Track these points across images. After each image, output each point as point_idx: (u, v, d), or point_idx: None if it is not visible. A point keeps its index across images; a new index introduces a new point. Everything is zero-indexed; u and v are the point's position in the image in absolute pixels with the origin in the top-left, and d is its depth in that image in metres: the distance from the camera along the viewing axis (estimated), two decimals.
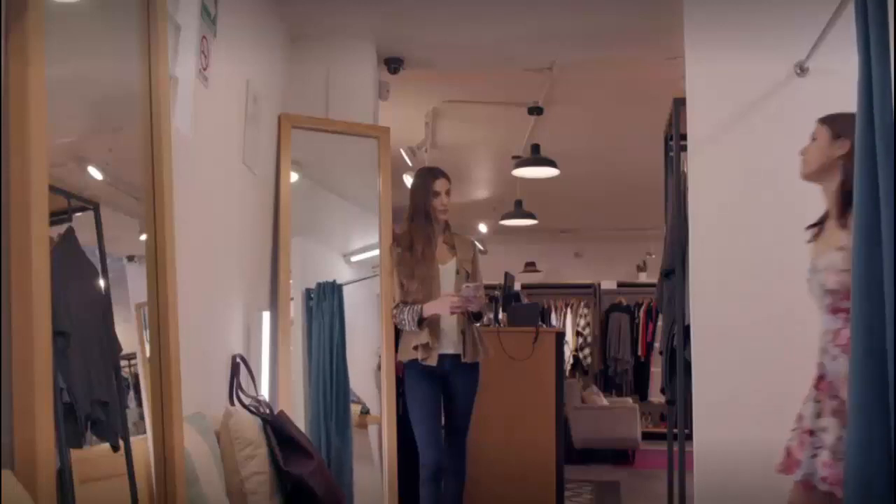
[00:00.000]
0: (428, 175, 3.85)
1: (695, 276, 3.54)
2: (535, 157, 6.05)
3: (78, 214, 2.23)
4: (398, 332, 3.86)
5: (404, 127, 5.83)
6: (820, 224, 2.61)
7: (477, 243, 11.36)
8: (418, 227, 3.76)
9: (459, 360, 3.66)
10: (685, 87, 3.66)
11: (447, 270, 3.77)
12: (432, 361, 3.61)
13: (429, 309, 3.61)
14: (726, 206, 3.55)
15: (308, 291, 4.20)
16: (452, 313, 3.60)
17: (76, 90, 2.31)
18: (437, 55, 4.97)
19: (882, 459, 1.93)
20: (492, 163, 7.86)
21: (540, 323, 5.38)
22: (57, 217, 2.08)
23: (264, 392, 3.72)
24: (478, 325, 3.76)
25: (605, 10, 4.25)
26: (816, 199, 3.41)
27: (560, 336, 5.16)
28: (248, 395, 3.32)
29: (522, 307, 5.59)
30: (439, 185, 3.77)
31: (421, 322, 3.61)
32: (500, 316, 5.61)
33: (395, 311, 3.72)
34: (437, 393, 3.68)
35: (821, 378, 2.47)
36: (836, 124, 2.58)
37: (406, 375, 3.73)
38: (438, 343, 3.64)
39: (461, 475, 3.75)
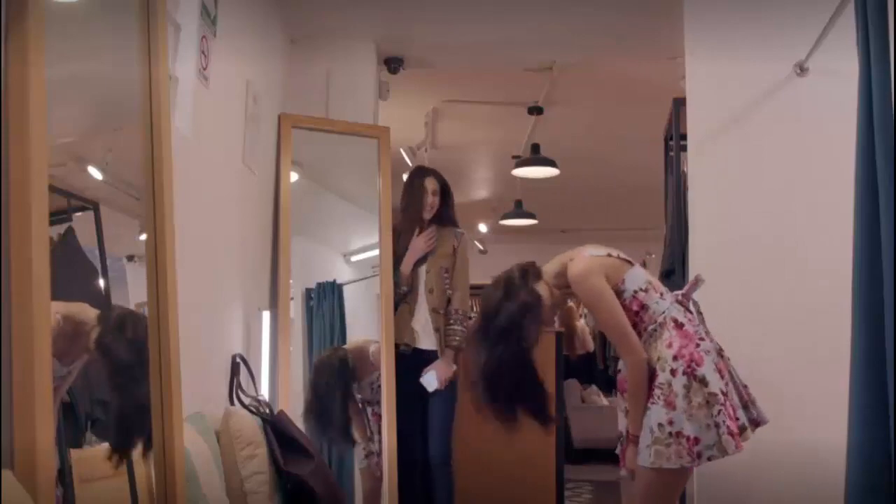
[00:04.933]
0: (418, 173, 4.05)
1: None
2: (535, 157, 6.05)
3: (78, 214, 2.23)
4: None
5: (404, 127, 5.82)
6: None
7: (477, 242, 11.30)
8: (403, 233, 3.97)
9: (437, 356, 3.84)
10: (685, 87, 3.67)
11: (422, 270, 3.92)
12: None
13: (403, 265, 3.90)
14: (726, 206, 3.55)
15: (308, 291, 4.20)
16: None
17: (76, 90, 2.31)
18: (437, 55, 4.97)
19: (882, 460, 1.93)
20: (492, 163, 7.85)
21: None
22: (57, 217, 2.08)
23: (264, 392, 3.71)
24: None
25: (605, 11, 4.25)
26: (816, 200, 3.42)
27: (560, 336, 5.15)
28: (248, 395, 3.32)
29: None
30: (428, 182, 3.94)
31: (400, 289, 3.92)
32: None
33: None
34: (415, 388, 3.85)
35: None
36: None
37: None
38: (405, 339, 3.89)
39: (441, 457, 3.83)
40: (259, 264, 3.91)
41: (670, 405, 2.46)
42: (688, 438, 2.43)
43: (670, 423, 2.45)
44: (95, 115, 2.48)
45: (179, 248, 2.51)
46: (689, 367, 2.47)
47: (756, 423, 2.58)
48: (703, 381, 2.45)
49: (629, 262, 2.66)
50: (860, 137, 2.03)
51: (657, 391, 2.50)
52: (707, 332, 2.58)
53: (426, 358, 3.87)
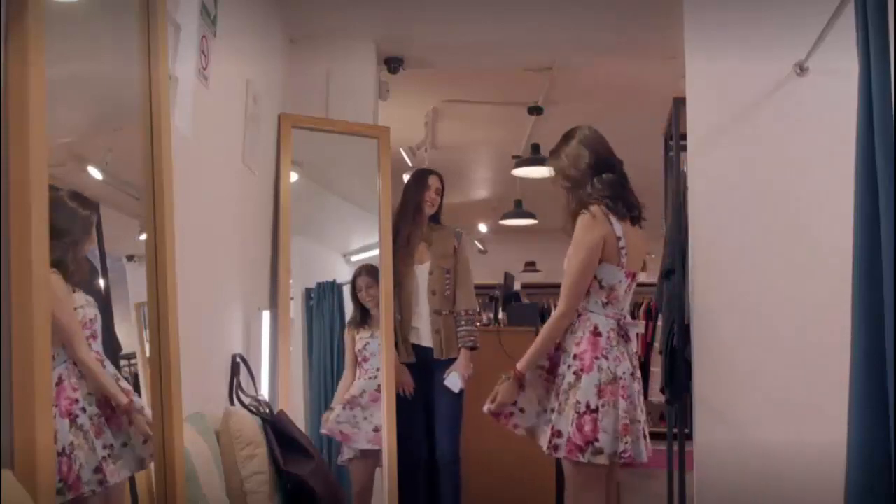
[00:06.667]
0: (422, 172, 4.12)
1: (695, 276, 3.54)
2: (535, 156, 6.06)
3: None
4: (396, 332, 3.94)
5: (404, 127, 5.83)
6: None
7: (477, 241, 11.30)
8: (403, 224, 3.98)
9: (432, 353, 3.88)
10: (685, 87, 3.67)
11: (422, 271, 3.94)
12: (404, 359, 3.90)
13: (400, 354, 3.91)
14: (726, 206, 3.55)
15: (308, 291, 4.20)
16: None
17: (76, 90, 2.31)
18: (437, 55, 4.97)
19: (882, 460, 1.93)
20: (492, 163, 7.86)
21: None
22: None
23: (264, 392, 3.72)
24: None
25: (604, 11, 4.25)
26: (816, 200, 3.42)
27: None
28: (248, 395, 3.32)
29: (522, 307, 5.59)
30: (432, 180, 4.00)
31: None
32: (500, 315, 5.62)
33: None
34: (419, 387, 3.89)
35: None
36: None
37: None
38: (411, 339, 3.93)
39: (451, 457, 3.84)
40: (259, 264, 3.91)
41: (556, 395, 2.73)
42: (551, 428, 2.68)
43: (553, 410, 2.72)
44: (95, 115, 2.48)
45: (179, 248, 2.51)
46: (580, 369, 2.69)
47: (626, 459, 2.66)
48: (578, 388, 2.66)
49: (621, 262, 2.83)
50: (860, 137, 2.03)
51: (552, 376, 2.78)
52: (619, 358, 2.71)
53: (424, 356, 3.89)
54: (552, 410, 2.71)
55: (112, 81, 2.50)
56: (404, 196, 4.03)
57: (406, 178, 6.20)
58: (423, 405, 3.89)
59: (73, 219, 2.07)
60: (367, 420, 3.89)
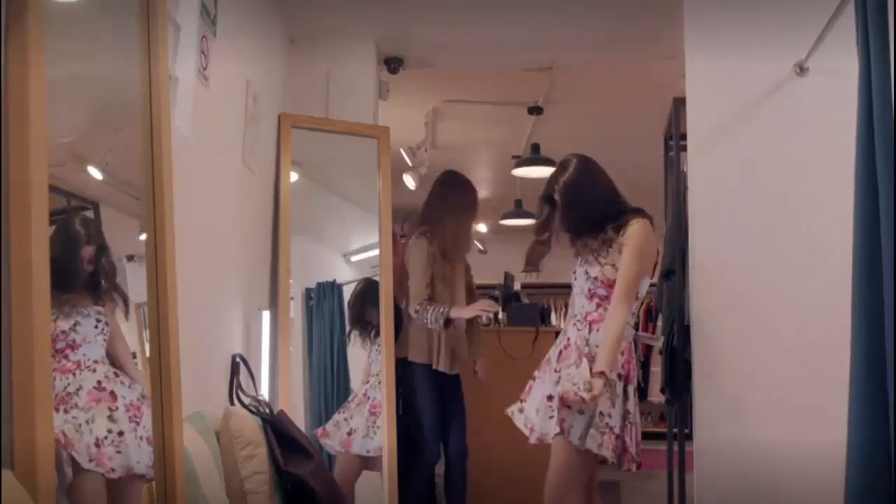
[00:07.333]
0: (473, 189, 4.11)
1: (695, 276, 3.54)
2: (535, 156, 6.05)
3: None
4: (398, 331, 3.92)
5: (404, 127, 5.82)
6: None
7: (477, 243, 11.37)
8: (451, 220, 3.94)
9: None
10: (685, 87, 3.67)
11: (460, 271, 4.04)
12: (450, 368, 3.84)
13: (456, 312, 3.79)
14: (726, 206, 3.55)
15: (308, 291, 4.20)
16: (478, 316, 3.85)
17: (76, 90, 2.31)
18: (437, 55, 4.97)
19: (882, 460, 1.93)
20: (492, 163, 7.85)
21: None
22: (57, 217, 2.08)
23: (264, 392, 3.71)
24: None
25: (604, 11, 4.25)
26: (816, 200, 3.42)
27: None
28: (248, 395, 3.32)
29: (522, 307, 5.58)
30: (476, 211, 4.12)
31: (448, 323, 3.77)
32: (500, 316, 5.62)
33: (418, 308, 3.82)
34: (436, 388, 3.89)
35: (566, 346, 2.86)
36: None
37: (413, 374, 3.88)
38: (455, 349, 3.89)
39: (463, 455, 3.91)
40: (259, 264, 3.91)
41: (612, 402, 2.73)
42: (616, 436, 2.71)
43: (609, 416, 2.71)
44: (95, 115, 2.48)
45: (179, 248, 2.51)
46: (627, 378, 2.78)
47: (639, 465, 2.78)
48: (626, 398, 2.75)
49: (652, 275, 2.96)
50: (860, 137, 2.03)
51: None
52: (636, 369, 2.87)
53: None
54: (607, 415, 2.73)
55: (112, 81, 2.50)
56: (459, 196, 4.02)
57: (407, 178, 6.22)
58: (441, 406, 3.89)
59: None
60: (346, 422, 3.90)
